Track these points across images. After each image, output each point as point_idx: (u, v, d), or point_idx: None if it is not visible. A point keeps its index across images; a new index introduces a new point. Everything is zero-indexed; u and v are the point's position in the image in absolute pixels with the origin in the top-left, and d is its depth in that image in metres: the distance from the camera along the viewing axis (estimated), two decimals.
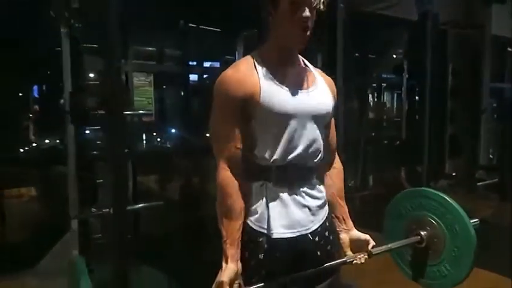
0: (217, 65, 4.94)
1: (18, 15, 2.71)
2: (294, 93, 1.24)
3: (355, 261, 1.30)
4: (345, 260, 1.31)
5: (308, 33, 1.22)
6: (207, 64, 4.77)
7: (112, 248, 2.11)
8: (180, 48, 4.51)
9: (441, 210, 1.48)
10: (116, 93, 2.06)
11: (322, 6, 1.24)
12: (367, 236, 1.35)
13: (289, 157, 1.23)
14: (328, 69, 2.60)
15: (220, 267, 1.17)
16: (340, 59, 2.53)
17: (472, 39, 4.65)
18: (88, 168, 2.67)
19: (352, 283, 2.42)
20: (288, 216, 1.23)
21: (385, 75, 5.28)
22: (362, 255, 1.31)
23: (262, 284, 1.18)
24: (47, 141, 4.37)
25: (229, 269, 1.15)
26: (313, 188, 1.30)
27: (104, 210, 2.20)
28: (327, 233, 1.32)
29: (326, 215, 1.33)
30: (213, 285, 1.16)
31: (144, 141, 5.56)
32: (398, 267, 1.62)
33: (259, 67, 1.23)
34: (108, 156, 2.04)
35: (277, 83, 1.22)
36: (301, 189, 1.27)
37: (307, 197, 1.28)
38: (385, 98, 6.38)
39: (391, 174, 4.24)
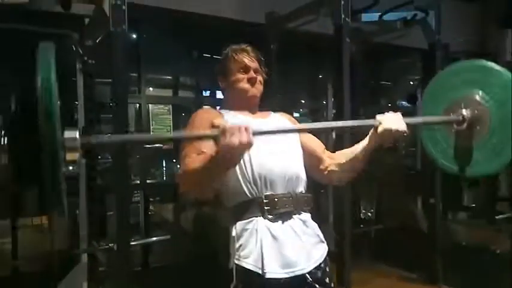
0: None
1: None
2: (254, 120, 1.33)
3: (384, 126, 1.20)
4: (374, 123, 1.23)
5: (257, 82, 1.37)
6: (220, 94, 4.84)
7: (119, 281, 2.11)
8: (194, 77, 4.62)
9: (488, 82, 1.29)
10: (122, 125, 2.11)
11: (264, 75, 1.41)
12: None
13: (273, 184, 1.22)
14: (339, 100, 2.61)
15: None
16: (347, 89, 2.52)
17: None
18: (98, 201, 2.71)
19: None
20: (283, 254, 1.19)
21: (399, 104, 5.24)
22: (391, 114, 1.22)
23: None
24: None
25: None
26: (305, 223, 1.27)
27: (110, 244, 2.20)
28: (327, 279, 1.27)
29: (324, 256, 1.29)
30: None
31: (164, 169, 5.60)
32: (446, 168, 1.41)
33: (223, 111, 1.36)
34: (113, 188, 2.06)
35: (238, 117, 1.31)
36: (294, 223, 1.24)
37: (300, 234, 1.24)
38: None
39: (406, 206, 4.12)
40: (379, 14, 2.86)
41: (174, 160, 4.90)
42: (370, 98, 4.53)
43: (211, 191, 1.27)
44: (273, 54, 3.01)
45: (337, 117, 2.65)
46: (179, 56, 4.14)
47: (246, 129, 1.01)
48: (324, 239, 1.31)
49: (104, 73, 2.83)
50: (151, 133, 5.26)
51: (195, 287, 2.81)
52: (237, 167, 1.21)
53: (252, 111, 1.41)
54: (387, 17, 2.87)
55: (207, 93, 4.56)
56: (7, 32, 2.44)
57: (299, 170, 1.32)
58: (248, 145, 1.02)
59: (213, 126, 1.06)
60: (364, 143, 1.31)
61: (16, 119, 3.36)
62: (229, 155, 1.04)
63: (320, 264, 1.26)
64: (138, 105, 3.80)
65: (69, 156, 0.87)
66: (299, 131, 1.39)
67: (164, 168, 5.47)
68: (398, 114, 1.24)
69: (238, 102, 1.39)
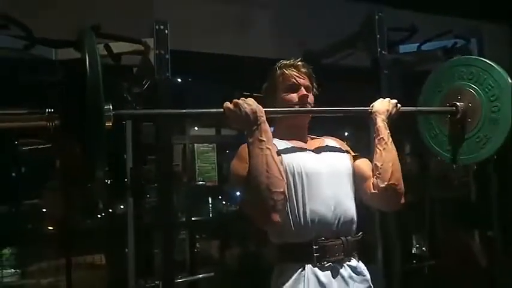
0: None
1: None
2: (308, 153, 1.27)
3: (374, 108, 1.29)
4: (368, 109, 1.31)
5: (308, 101, 1.32)
6: None
7: None
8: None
9: (471, 72, 1.43)
10: (167, 164, 2.21)
11: (314, 90, 1.37)
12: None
13: (325, 227, 1.16)
14: None
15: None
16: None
17: None
18: (145, 239, 2.79)
19: None
20: None
21: None
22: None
23: None
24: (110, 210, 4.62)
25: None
26: (354, 270, 1.21)
27: (156, 282, 2.25)
28: None
29: None
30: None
31: (210, 206, 5.67)
32: (434, 152, 1.57)
33: (275, 141, 1.26)
34: (159, 226, 2.13)
35: (292, 147, 1.26)
36: (344, 271, 1.18)
37: (350, 282, 1.18)
38: None
39: (460, 241, 3.88)
40: (418, 44, 2.83)
41: (220, 197, 4.97)
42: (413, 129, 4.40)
43: (277, 208, 1.11)
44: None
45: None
46: (222, 97, 4.29)
47: (250, 99, 1.14)
48: (372, 285, 1.25)
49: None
50: (197, 171, 5.41)
51: None
52: (288, 205, 1.14)
53: (303, 137, 1.31)
54: (427, 47, 2.84)
55: None
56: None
57: (353, 212, 1.24)
58: (253, 114, 1.12)
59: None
60: (374, 134, 1.31)
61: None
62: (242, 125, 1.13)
63: None
64: (183, 145, 3.95)
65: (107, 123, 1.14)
66: (298, 112, 1.32)
67: (210, 205, 5.54)
68: (388, 99, 1.32)
69: (287, 126, 1.29)
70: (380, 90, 2.47)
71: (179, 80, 3.68)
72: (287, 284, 1.15)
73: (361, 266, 1.25)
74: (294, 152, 1.24)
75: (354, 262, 1.22)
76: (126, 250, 2.77)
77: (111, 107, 1.18)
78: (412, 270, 3.68)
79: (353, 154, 1.37)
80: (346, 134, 5.22)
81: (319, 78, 3.14)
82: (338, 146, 1.36)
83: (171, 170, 2.54)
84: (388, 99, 1.31)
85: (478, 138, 1.41)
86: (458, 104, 1.44)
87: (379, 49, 2.48)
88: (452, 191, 4.26)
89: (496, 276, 3.06)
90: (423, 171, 4.30)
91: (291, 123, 1.31)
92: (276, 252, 1.21)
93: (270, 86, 1.34)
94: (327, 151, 1.31)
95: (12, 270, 3.07)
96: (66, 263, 3.26)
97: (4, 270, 3.01)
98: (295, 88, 1.29)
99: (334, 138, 1.43)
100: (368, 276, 1.25)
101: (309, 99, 1.30)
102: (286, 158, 1.21)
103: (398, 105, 1.31)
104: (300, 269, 1.15)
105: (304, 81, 1.30)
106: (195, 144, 5.39)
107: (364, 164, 1.33)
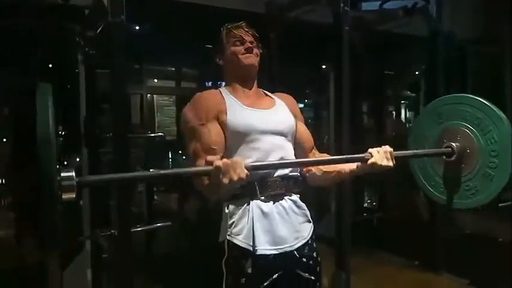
0: None
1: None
2: (256, 111, 1.34)
3: (372, 160, 1.26)
4: (364, 156, 1.28)
5: (254, 52, 1.37)
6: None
7: (119, 267, 2.15)
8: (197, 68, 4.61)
9: (477, 117, 1.31)
10: (122, 115, 2.14)
11: (259, 48, 1.41)
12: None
13: (261, 175, 1.26)
14: (337, 90, 2.63)
15: None
16: (347, 79, 2.52)
17: (492, 55, 4.54)
18: (101, 190, 2.76)
19: None
20: (273, 234, 1.27)
21: (403, 94, 5.21)
22: (382, 150, 1.28)
23: None
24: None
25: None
26: (295, 203, 1.34)
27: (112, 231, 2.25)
28: (314, 254, 1.34)
29: (311, 233, 1.36)
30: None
31: (170, 160, 5.63)
32: (427, 192, 1.46)
33: (224, 94, 1.36)
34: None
35: (241, 104, 1.33)
36: (285, 203, 1.31)
37: (290, 212, 1.31)
38: (406, 116, 6.27)
39: (409, 197, 4.14)
40: (380, 2, 2.84)
41: (180, 151, 4.94)
42: (373, 88, 4.50)
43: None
44: (273, 44, 3.02)
45: (336, 109, 2.65)
46: (181, 48, 4.15)
47: (239, 165, 1.08)
48: (311, 219, 1.38)
49: (106, 64, 2.86)
50: (156, 123, 5.30)
51: (197, 274, 2.86)
52: (231, 150, 1.26)
53: (250, 85, 1.40)
54: (388, 5, 2.85)
55: (209, 84, 4.58)
56: (8, 26, 2.47)
57: (293, 154, 1.37)
58: (241, 181, 1.09)
59: (206, 162, 1.10)
60: (352, 167, 1.35)
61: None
62: (224, 188, 1.11)
63: (307, 241, 1.34)
64: (140, 96, 3.84)
65: (66, 196, 0.89)
66: (298, 164, 1.39)
67: (170, 159, 5.52)
68: (389, 150, 1.29)
69: (237, 74, 1.39)
70: (341, 47, 2.48)
71: (136, 26, 3.51)
72: (234, 217, 1.28)
73: (301, 202, 1.37)
74: (246, 113, 1.33)
75: (294, 197, 1.35)
76: (81, 202, 2.73)
77: (73, 173, 0.90)
78: (362, 221, 3.91)
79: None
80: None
81: (282, 31, 3.13)
82: (288, 104, 1.45)
83: (127, 120, 2.48)
84: (385, 148, 1.29)
85: (468, 187, 1.34)
86: (454, 145, 1.35)
87: (341, 5, 2.46)
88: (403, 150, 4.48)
89: (437, 227, 3.31)
90: (378, 130, 4.46)
91: (241, 68, 1.38)
92: (225, 193, 1.28)
93: (218, 45, 1.43)
94: (277, 112, 1.40)
95: None
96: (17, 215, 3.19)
97: None
98: (241, 41, 1.38)
99: (285, 95, 1.50)
100: (308, 212, 1.38)
101: (254, 52, 1.39)
102: (233, 116, 1.30)
103: (392, 151, 1.30)
104: (246, 204, 1.27)
105: (249, 37, 1.40)
106: (155, 97, 5.25)
107: (303, 132, 1.46)
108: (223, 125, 1.28)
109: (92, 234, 2.56)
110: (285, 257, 1.27)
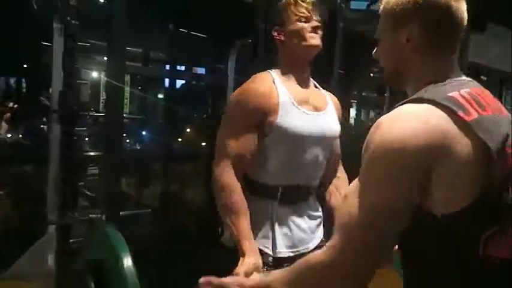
0: (202, 71, 4.90)
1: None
2: (309, 115, 1.30)
3: None
4: None
5: (320, 34, 1.29)
6: (195, 70, 4.73)
7: None
8: (166, 52, 4.44)
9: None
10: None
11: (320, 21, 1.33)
12: None
13: (297, 178, 1.29)
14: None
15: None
16: (336, 76, 2.56)
17: None
18: (70, 171, 2.56)
19: None
20: (292, 238, 1.30)
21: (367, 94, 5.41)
22: None
23: None
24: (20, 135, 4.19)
25: (246, 263, 1.14)
26: (311, 208, 1.37)
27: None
28: None
29: (322, 233, 1.41)
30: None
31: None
32: None
33: (278, 86, 1.27)
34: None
35: (295, 103, 1.26)
36: (304, 210, 1.34)
37: (307, 219, 1.35)
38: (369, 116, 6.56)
39: None
40: (368, 3, 2.90)
41: (144, 132, 4.74)
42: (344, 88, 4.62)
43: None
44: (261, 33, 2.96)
45: None
46: (153, 29, 3.97)
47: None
48: (323, 220, 1.45)
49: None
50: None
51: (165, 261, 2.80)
52: (281, 157, 1.26)
53: (307, 70, 1.33)
54: (375, 6, 2.92)
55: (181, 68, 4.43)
56: None
57: (323, 169, 1.40)
58: None
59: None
60: None
61: None
62: None
63: (322, 239, 1.39)
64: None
65: None
66: None
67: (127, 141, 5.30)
68: None
69: (298, 56, 1.29)
70: (334, 43, 2.50)
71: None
72: (254, 219, 1.28)
73: (317, 205, 1.42)
74: (300, 116, 1.29)
75: (311, 202, 1.39)
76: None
77: None
78: None
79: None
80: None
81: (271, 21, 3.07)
82: (335, 112, 1.43)
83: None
84: None
85: None
86: None
87: (338, 1, 2.48)
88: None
89: None
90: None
91: (303, 51, 1.30)
92: (249, 186, 1.29)
93: (279, 15, 1.32)
94: (327, 116, 1.37)
95: None
96: None
97: None
98: (307, 19, 1.28)
99: (333, 97, 1.48)
100: (321, 213, 1.44)
101: (319, 34, 1.31)
102: (283, 118, 1.28)
103: None
104: (267, 204, 1.29)
105: (317, 16, 1.32)
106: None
107: (337, 146, 1.47)
108: (269, 125, 1.23)
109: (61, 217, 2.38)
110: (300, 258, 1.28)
